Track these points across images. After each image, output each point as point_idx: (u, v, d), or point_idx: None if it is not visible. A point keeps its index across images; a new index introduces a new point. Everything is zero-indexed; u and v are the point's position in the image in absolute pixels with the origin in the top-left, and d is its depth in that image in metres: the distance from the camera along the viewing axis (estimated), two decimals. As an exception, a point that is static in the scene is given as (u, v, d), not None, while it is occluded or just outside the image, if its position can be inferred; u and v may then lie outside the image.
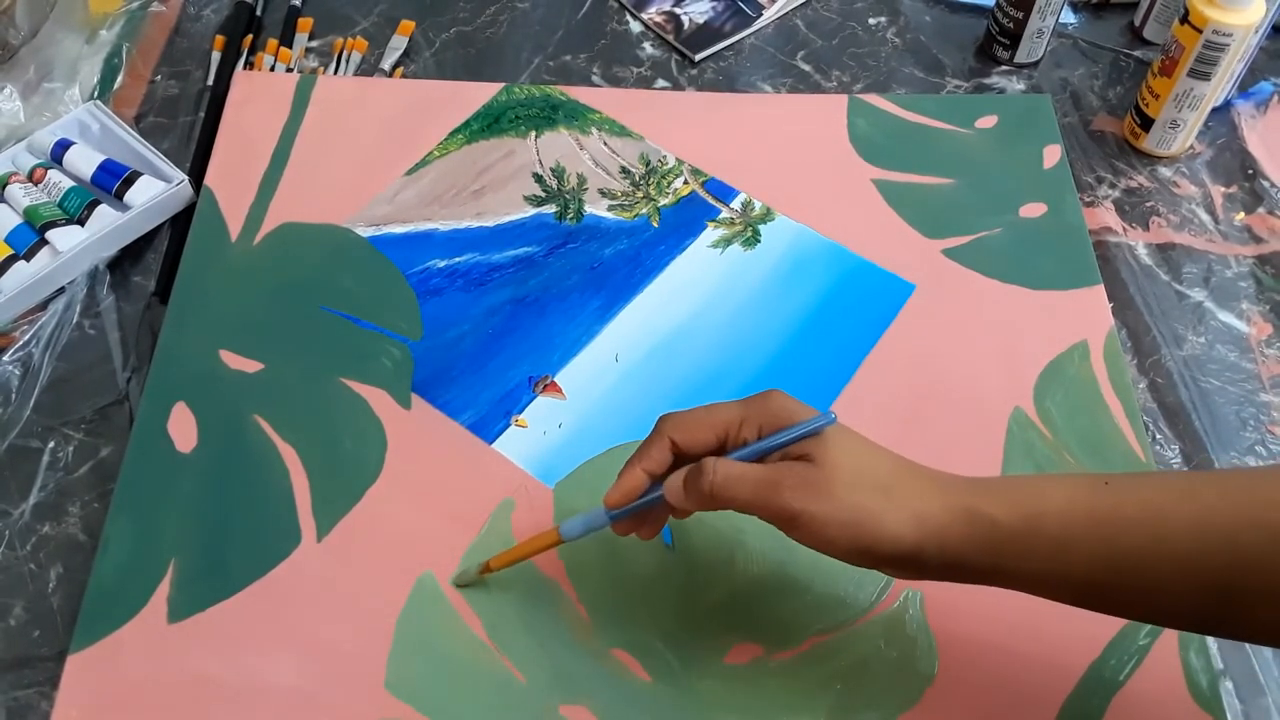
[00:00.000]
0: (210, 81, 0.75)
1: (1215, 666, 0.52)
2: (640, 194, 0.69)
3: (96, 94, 0.73)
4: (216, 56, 0.76)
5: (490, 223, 0.67)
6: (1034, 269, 0.66)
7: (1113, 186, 0.72)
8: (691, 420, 0.46)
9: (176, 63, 0.76)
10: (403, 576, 0.53)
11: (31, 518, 0.55)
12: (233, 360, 0.60)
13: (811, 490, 0.42)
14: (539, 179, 0.70)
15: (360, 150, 0.70)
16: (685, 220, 0.68)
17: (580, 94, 0.74)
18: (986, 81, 0.78)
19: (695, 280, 0.65)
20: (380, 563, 0.54)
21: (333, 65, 0.76)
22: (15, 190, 0.66)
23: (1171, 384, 0.63)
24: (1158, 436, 0.61)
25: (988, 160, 0.72)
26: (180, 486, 0.55)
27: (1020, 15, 0.75)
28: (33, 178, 0.67)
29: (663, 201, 0.69)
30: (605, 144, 0.72)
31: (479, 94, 0.74)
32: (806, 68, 0.78)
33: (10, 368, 0.60)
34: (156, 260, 0.66)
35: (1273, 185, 0.72)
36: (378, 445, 0.58)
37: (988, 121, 0.74)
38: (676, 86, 0.76)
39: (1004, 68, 0.78)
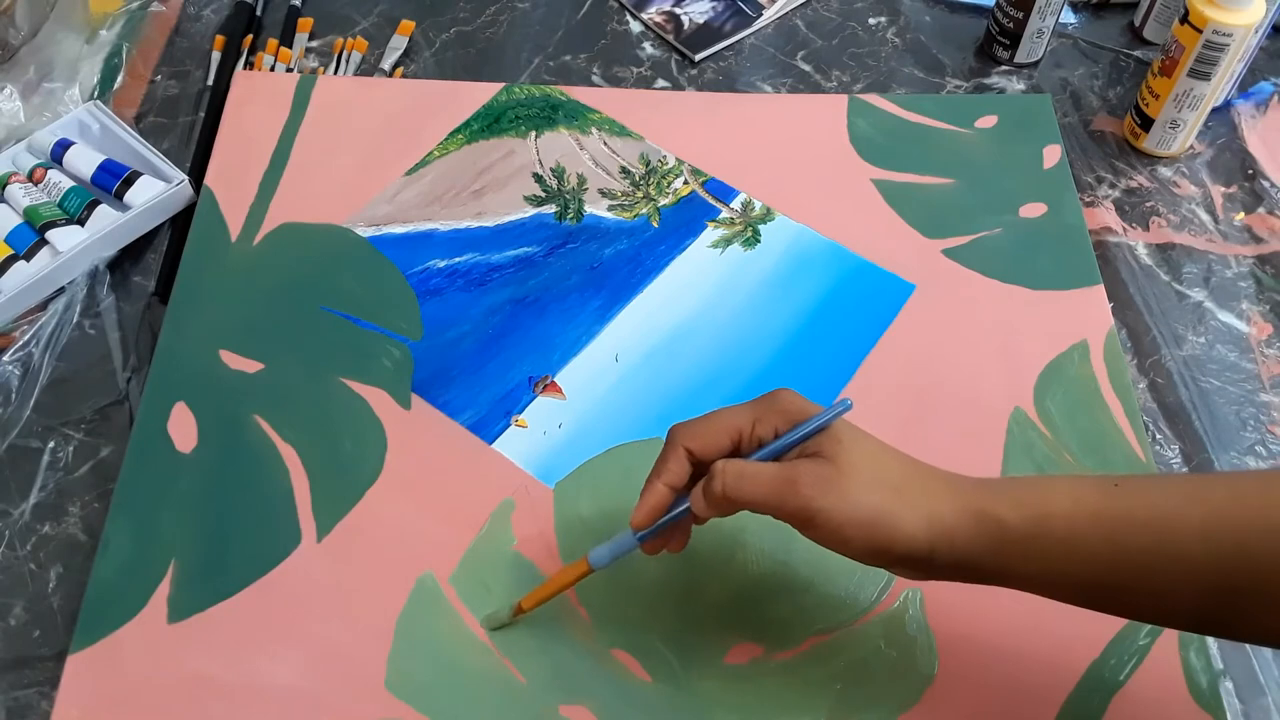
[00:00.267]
0: (210, 81, 0.75)
1: (1215, 666, 0.52)
2: (640, 194, 0.69)
3: (96, 94, 0.73)
4: (216, 56, 0.76)
5: (490, 223, 0.67)
6: (1034, 269, 0.66)
7: (1113, 186, 0.72)
8: (703, 426, 0.46)
9: (176, 63, 0.76)
10: (403, 576, 0.53)
11: (31, 518, 0.55)
12: (233, 360, 0.60)
13: (828, 487, 0.42)
14: (539, 179, 0.70)
15: (360, 150, 0.70)
16: (685, 220, 0.68)
17: (580, 94, 0.74)
18: (986, 81, 0.78)
19: (695, 280, 0.65)
20: (380, 563, 0.54)
21: (333, 65, 0.76)
22: (15, 190, 0.66)
23: (1171, 384, 0.63)
24: (1158, 436, 0.61)
25: (988, 160, 0.72)
26: (180, 486, 0.55)
27: (1020, 15, 0.75)
28: (33, 178, 0.67)
29: (663, 201, 0.69)
30: (605, 144, 0.72)
31: (479, 94, 0.74)
32: (806, 68, 0.78)
33: (10, 368, 0.60)
34: (156, 260, 0.66)
35: (1273, 185, 0.72)
36: (378, 445, 0.58)
37: (988, 121, 0.74)
38: (676, 86, 0.76)
39: (1004, 68, 0.78)
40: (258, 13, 0.79)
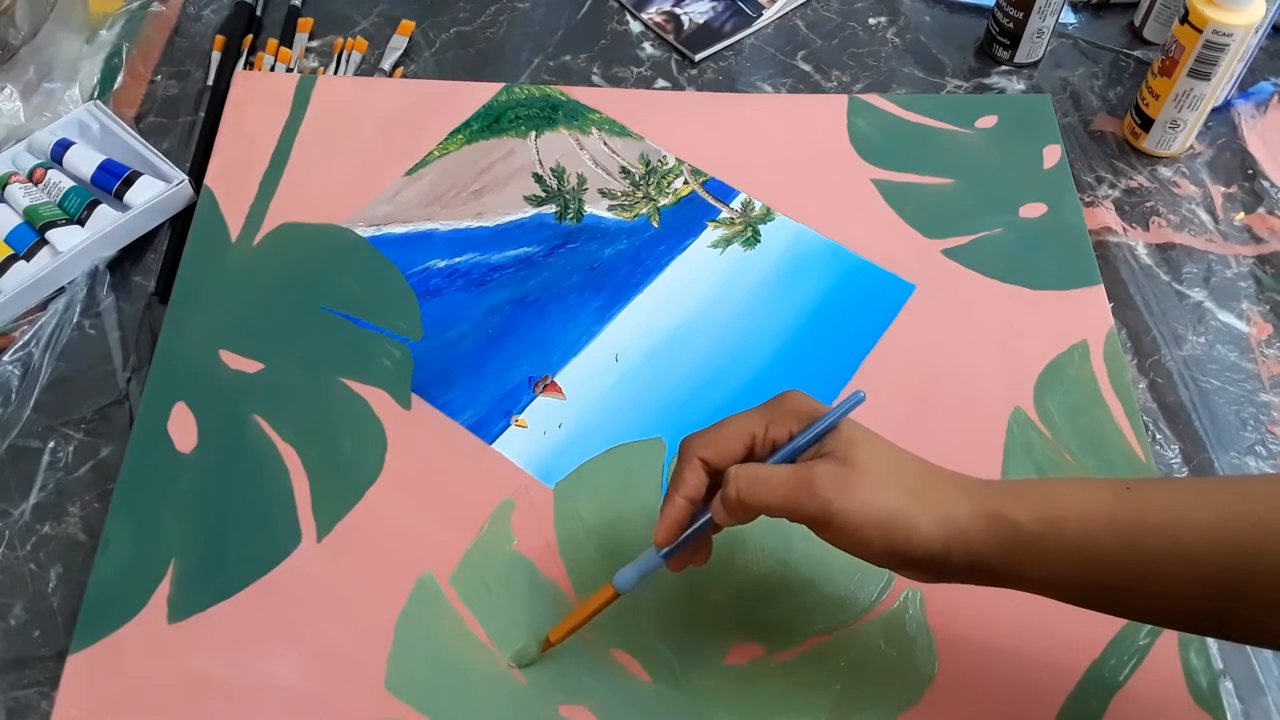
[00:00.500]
0: (210, 81, 0.75)
1: (1215, 666, 0.52)
2: (640, 194, 0.69)
3: (96, 94, 0.73)
4: (216, 56, 0.76)
5: (490, 223, 0.67)
6: (1034, 269, 0.66)
7: (1113, 186, 0.72)
8: (714, 435, 0.45)
9: (176, 63, 0.76)
10: (403, 576, 0.53)
11: (31, 518, 0.55)
12: (233, 360, 0.60)
13: (845, 488, 0.42)
14: (539, 179, 0.70)
15: (360, 150, 0.70)
16: (685, 220, 0.68)
17: (580, 94, 0.74)
18: (986, 81, 0.78)
19: (695, 280, 0.65)
20: (380, 563, 0.54)
21: (333, 65, 0.76)
22: (15, 190, 0.66)
23: (1171, 384, 0.63)
24: (1158, 436, 0.61)
25: (988, 160, 0.72)
26: (180, 486, 0.55)
27: (1020, 15, 0.75)
28: (33, 178, 0.67)
29: (663, 201, 0.69)
30: (605, 144, 0.72)
31: (479, 94, 0.74)
32: (806, 68, 0.78)
33: (10, 368, 0.60)
34: (156, 260, 0.66)
35: (1273, 185, 0.72)
36: (378, 445, 0.58)
37: (988, 121, 0.74)
38: (676, 86, 0.76)
39: (1004, 68, 0.78)
40: (258, 13, 0.79)
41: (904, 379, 0.61)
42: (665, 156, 0.71)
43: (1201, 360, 0.64)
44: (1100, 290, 0.65)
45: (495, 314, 0.63)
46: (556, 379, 0.61)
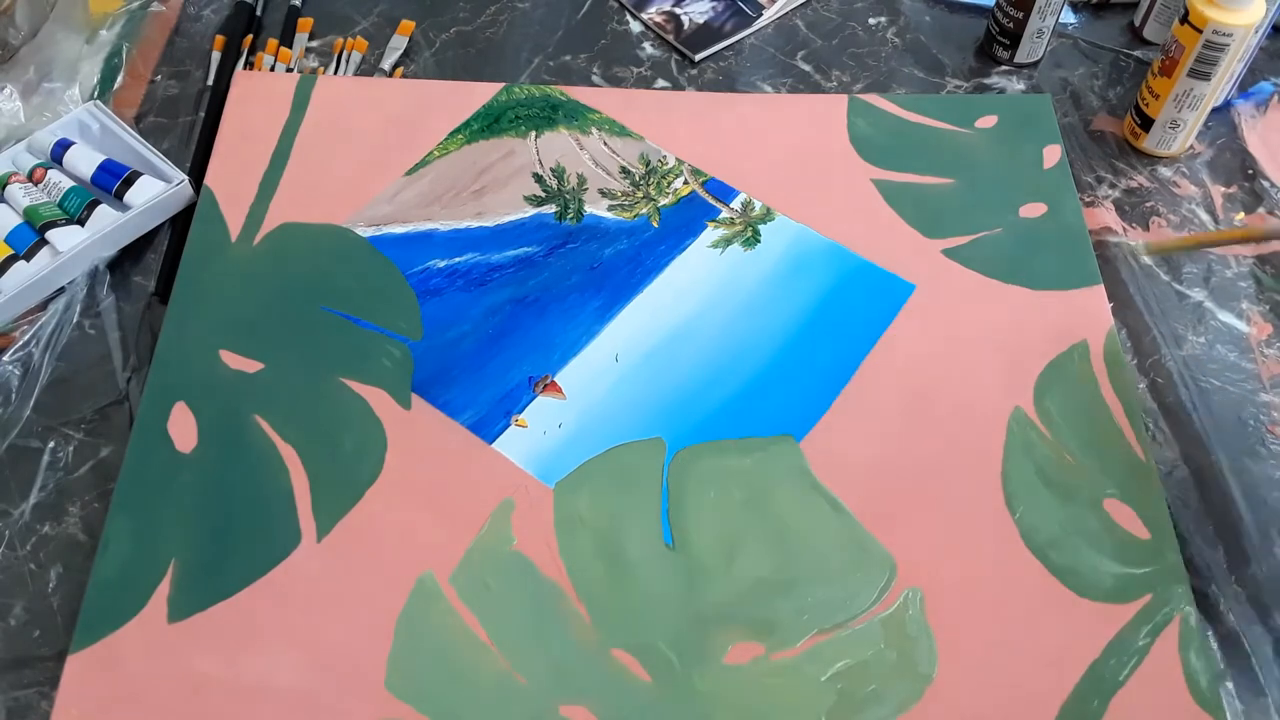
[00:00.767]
0: (210, 81, 0.75)
1: (1215, 666, 0.52)
2: (640, 194, 0.69)
3: (96, 94, 0.73)
4: (216, 56, 0.76)
5: (490, 223, 0.67)
6: (1034, 269, 0.66)
7: (1113, 186, 0.72)
8: None
9: (176, 63, 0.76)
10: (403, 576, 0.53)
11: (31, 518, 0.55)
12: (233, 360, 0.60)
13: None
14: (539, 179, 0.70)
15: (360, 150, 0.70)
16: (685, 220, 0.68)
17: (580, 94, 0.74)
18: (986, 81, 0.78)
19: (695, 280, 0.65)
20: (380, 563, 0.54)
21: (333, 65, 0.77)
22: (15, 190, 0.66)
23: (1171, 384, 0.63)
24: (1158, 436, 0.61)
25: (988, 160, 0.72)
26: (180, 486, 0.55)
27: (1020, 15, 0.75)
28: (33, 178, 0.67)
29: (663, 201, 0.69)
30: (605, 144, 0.72)
31: (479, 94, 0.74)
32: (806, 68, 0.78)
33: (10, 368, 0.60)
34: (156, 260, 0.66)
35: (1273, 185, 0.72)
36: (378, 445, 0.58)
37: (988, 121, 0.74)
38: (676, 86, 0.76)
39: (1004, 68, 0.78)
40: (258, 13, 0.79)
41: (904, 379, 0.61)
42: (665, 156, 0.71)
43: (1201, 360, 0.64)
44: (1100, 290, 0.65)
45: (495, 314, 0.63)
46: (556, 379, 0.61)
